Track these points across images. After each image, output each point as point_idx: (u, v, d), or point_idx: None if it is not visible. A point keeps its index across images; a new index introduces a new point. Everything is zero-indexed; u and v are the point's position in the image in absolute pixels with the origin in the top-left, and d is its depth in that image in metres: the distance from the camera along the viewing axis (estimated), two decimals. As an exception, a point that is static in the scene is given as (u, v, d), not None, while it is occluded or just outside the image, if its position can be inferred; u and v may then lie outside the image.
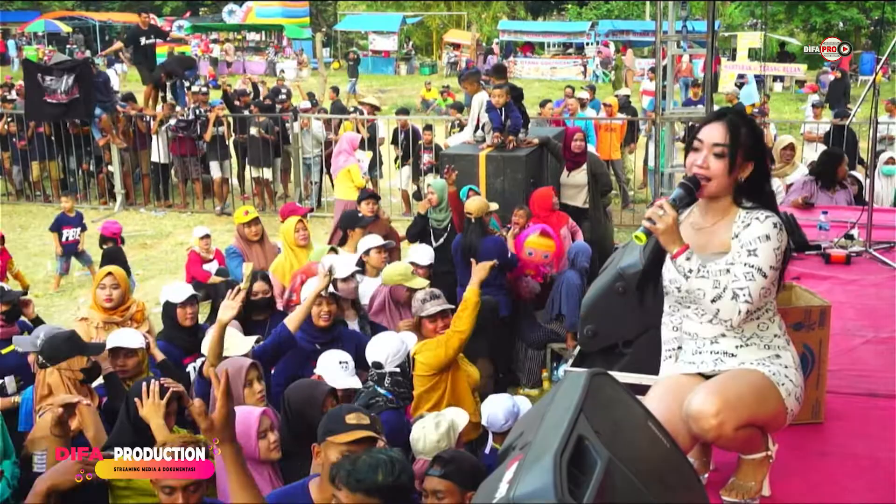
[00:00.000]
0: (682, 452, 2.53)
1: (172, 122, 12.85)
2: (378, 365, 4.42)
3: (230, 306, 4.38)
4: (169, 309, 5.31)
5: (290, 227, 6.88)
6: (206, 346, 4.55)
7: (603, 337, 4.13)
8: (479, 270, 5.19)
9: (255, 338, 4.80)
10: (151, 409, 3.55)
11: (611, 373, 2.55)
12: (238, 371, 4.02)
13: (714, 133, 2.69)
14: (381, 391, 4.36)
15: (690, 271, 2.64)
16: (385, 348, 4.45)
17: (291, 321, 4.81)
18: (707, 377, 2.76)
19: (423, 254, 6.39)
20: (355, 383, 4.41)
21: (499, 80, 8.94)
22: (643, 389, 2.89)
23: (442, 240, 7.36)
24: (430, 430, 3.94)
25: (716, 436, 2.58)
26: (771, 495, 2.82)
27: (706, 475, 2.93)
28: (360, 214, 7.19)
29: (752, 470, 2.76)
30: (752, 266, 2.60)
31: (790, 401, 2.68)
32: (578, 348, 4.41)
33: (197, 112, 12.87)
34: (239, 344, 4.60)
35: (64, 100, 12.87)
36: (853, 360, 3.98)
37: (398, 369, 4.44)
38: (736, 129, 2.68)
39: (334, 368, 4.34)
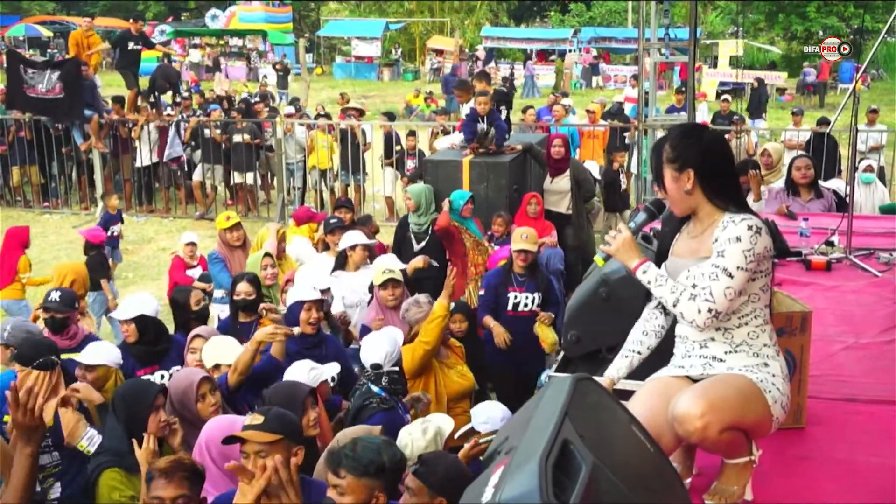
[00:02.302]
0: (666, 457, 2.55)
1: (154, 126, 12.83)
2: (377, 366, 4.41)
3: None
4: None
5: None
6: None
7: (586, 342, 4.14)
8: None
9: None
10: (144, 457, 3.45)
11: (595, 378, 2.57)
12: (189, 386, 3.99)
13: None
14: (375, 389, 4.34)
15: (649, 283, 2.74)
16: (382, 348, 4.45)
17: (275, 352, 4.66)
18: (695, 381, 2.78)
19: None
20: (329, 372, 4.48)
21: (484, 85, 8.87)
22: (626, 394, 2.91)
23: (423, 244, 7.35)
24: (418, 437, 3.92)
25: (700, 438, 2.60)
26: (753, 499, 2.84)
27: (689, 479, 2.94)
28: (334, 220, 7.17)
29: (735, 474, 2.78)
30: (718, 266, 2.64)
31: (776, 408, 2.70)
32: (562, 353, 4.42)
33: (181, 117, 12.84)
34: (233, 351, 4.56)
35: (44, 95, 12.76)
36: (833, 365, 4.02)
37: (396, 367, 4.46)
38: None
39: (305, 374, 4.29)
